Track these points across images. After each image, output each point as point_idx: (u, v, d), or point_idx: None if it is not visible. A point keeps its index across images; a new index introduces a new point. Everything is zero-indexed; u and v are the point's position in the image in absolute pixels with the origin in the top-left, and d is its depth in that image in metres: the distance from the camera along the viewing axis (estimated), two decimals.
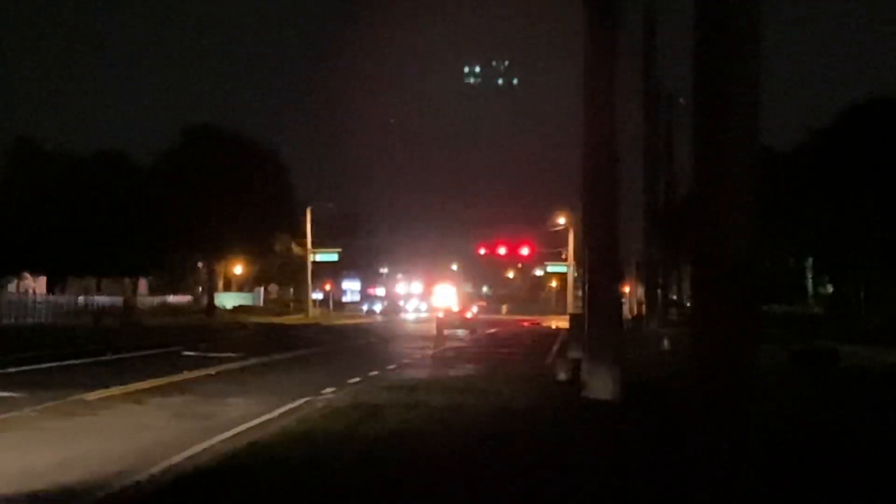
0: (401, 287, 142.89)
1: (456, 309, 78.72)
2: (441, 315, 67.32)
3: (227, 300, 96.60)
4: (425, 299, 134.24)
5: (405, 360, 33.88)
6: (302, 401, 19.84)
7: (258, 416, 17.81)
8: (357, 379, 25.63)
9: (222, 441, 14.83)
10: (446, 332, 55.92)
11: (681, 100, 53.69)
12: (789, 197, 53.78)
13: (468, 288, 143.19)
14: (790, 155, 59.86)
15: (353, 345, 45.32)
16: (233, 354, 34.46)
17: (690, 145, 10.03)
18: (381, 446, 13.43)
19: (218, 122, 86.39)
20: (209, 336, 48.91)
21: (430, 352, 39.46)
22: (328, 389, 22.48)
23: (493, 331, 61.59)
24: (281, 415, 17.85)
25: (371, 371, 28.58)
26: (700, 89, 9.94)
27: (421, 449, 13.30)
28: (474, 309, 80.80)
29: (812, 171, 56.03)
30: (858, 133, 54.53)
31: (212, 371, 27.83)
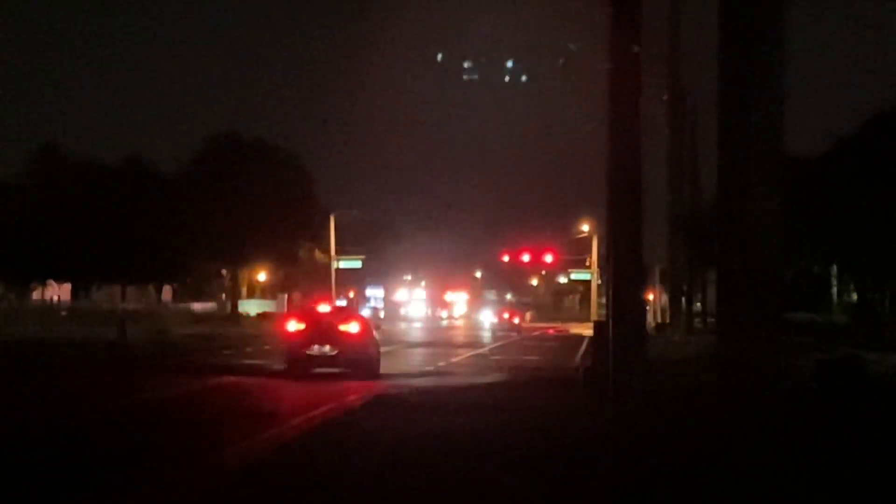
0: (401, 293, 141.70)
1: (462, 312, 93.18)
2: (496, 320, 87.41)
3: (251, 307, 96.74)
4: (448, 307, 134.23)
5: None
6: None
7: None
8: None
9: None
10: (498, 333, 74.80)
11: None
12: (814, 204, 53.52)
13: (491, 295, 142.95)
14: (815, 162, 59.60)
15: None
16: None
17: (715, 152, 10.01)
18: None
19: (241, 130, 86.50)
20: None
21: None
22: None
23: (536, 334, 76.66)
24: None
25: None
26: (725, 96, 9.93)
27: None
28: (519, 316, 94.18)
29: (837, 179, 55.76)
30: (884, 140, 54.25)
31: None
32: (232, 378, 28.40)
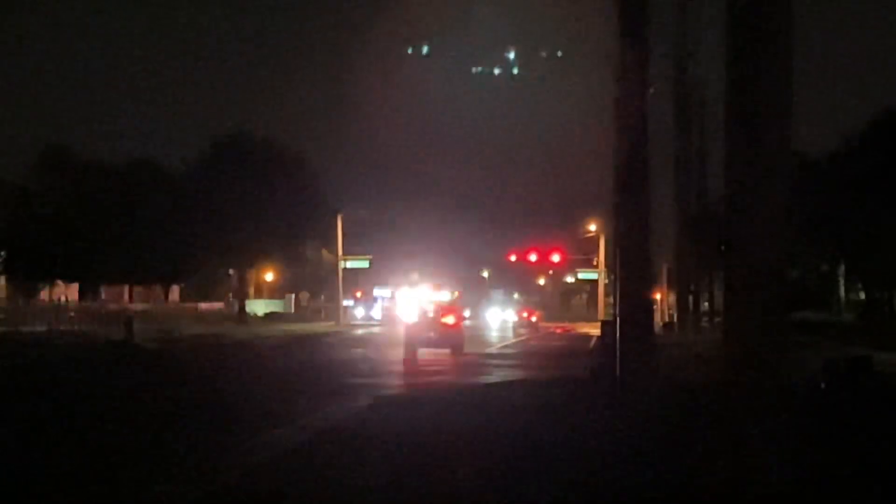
0: (408, 292, 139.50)
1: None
2: (517, 319, 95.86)
3: (258, 307, 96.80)
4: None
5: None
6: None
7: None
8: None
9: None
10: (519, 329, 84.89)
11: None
12: (822, 203, 53.49)
13: (499, 295, 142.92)
14: (823, 161, 59.58)
15: None
16: None
17: (723, 149, 9.98)
18: None
19: (249, 130, 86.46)
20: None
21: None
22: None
23: (547, 332, 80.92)
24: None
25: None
26: (733, 93, 9.90)
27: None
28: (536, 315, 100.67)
29: (845, 178, 55.72)
30: (891, 139, 54.22)
31: None
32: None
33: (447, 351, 43.29)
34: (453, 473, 12.52)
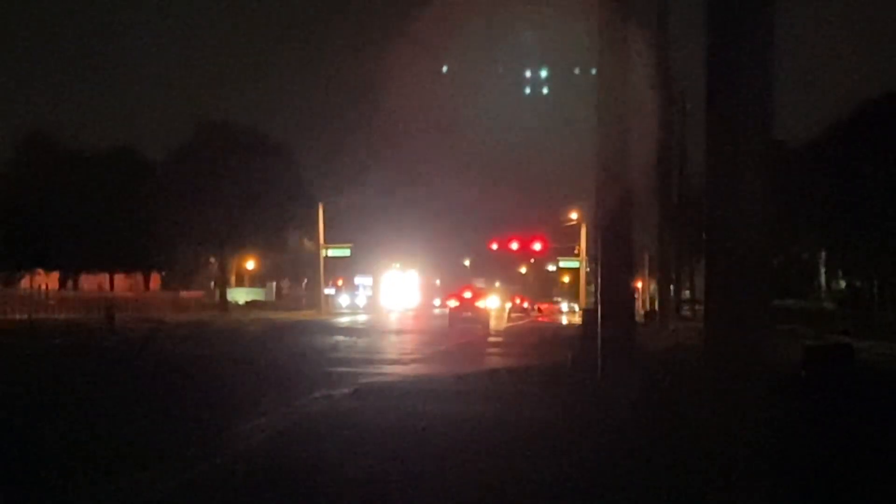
0: (390, 281, 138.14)
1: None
2: (511, 305, 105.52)
3: (240, 295, 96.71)
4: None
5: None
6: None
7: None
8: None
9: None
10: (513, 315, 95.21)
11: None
12: (802, 191, 53.63)
13: (481, 283, 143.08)
14: (803, 149, 59.71)
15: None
16: None
17: (704, 137, 9.97)
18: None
19: (230, 118, 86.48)
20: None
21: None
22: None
23: (535, 319, 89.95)
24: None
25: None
26: (713, 81, 9.88)
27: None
28: (527, 303, 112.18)
29: (826, 165, 55.88)
30: (872, 127, 54.37)
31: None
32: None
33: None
34: (433, 456, 12.52)
